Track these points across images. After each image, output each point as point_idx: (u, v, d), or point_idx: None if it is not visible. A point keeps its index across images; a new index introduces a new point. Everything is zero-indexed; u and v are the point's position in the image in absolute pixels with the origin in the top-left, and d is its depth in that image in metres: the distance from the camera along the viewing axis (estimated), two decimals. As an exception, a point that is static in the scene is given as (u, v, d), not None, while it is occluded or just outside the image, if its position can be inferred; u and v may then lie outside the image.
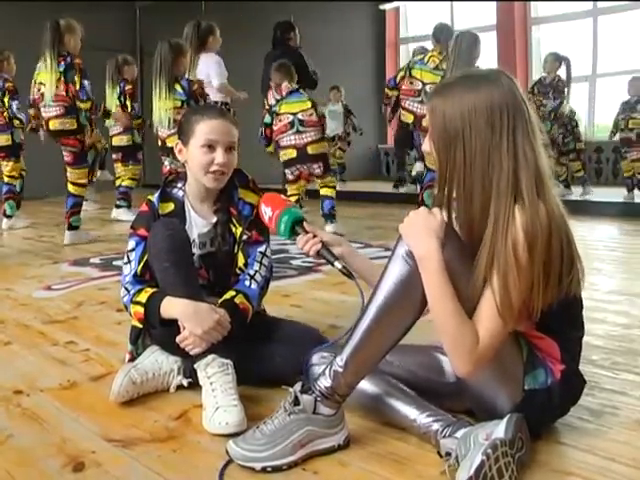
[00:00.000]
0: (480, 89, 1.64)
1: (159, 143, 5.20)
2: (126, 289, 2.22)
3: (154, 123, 5.09)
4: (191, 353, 2.06)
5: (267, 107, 6.34)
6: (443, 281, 1.62)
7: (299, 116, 5.75)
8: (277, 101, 5.99)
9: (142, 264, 2.23)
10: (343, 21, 12.56)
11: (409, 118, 6.42)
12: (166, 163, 5.27)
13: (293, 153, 5.80)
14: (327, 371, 1.75)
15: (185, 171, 2.39)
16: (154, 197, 2.34)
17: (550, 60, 8.21)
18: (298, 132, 5.75)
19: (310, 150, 5.76)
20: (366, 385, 1.85)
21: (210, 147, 2.25)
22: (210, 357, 2.03)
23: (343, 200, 8.71)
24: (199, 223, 2.35)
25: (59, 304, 3.55)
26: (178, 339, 2.06)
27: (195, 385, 2.14)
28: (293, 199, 5.74)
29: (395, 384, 1.89)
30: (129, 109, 7.18)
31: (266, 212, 2.01)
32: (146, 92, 10.19)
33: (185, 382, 2.20)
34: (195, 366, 2.07)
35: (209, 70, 5.78)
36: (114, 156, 7.47)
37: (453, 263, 1.63)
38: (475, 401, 1.82)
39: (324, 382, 1.75)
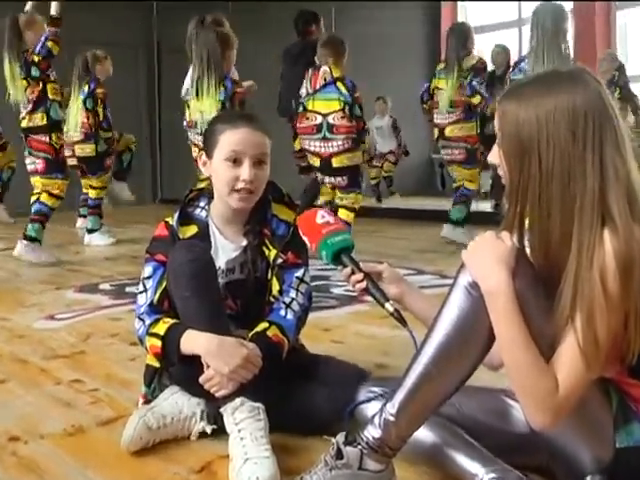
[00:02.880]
0: (560, 90, 1.61)
1: (194, 152, 5.17)
2: (141, 320, 2.23)
3: (191, 128, 5.05)
4: (216, 395, 2.06)
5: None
6: (514, 318, 1.59)
7: (329, 119, 5.48)
8: (307, 94, 5.68)
9: (160, 292, 2.24)
10: (390, 18, 12.61)
11: (434, 133, 6.68)
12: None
13: (316, 162, 5.62)
14: (376, 419, 1.74)
15: (208, 187, 2.41)
16: (173, 219, 2.36)
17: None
18: (325, 139, 5.51)
19: (335, 162, 5.52)
20: (421, 432, 1.82)
21: (236, 161, 2.26)
22: (238, 400, 2.03)
23: (389, 218, 8.70)
24: (227, 247, 2.36)
25: (63, 336, 3.59)
26: (201, 379, 2.06)
27: (221, 432, 2.13)
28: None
29: (455, 431, 1.86)
30: (100, 117, 7.07)
31: (305, 240, 2.01)
32: (164, 91, 10.41)
33: (209, 429, 2.20)
34: (221, 410, 2.06)
35: None
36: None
37: (525, 296, 1.61)
38: (552, 458, 1.78)
39: (372, 432, 1.73)
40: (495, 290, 1.61)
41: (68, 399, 2.66)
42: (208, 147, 2.34)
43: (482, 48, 8.84)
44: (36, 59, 5.84)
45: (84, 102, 7.03)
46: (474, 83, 6.31)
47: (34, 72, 5.83)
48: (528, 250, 1.71)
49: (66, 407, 2.58)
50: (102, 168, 7.20)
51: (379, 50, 11.74)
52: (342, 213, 5.62)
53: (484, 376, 1.88)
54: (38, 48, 5.83)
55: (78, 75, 7.11)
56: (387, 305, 1.86)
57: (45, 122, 5.88)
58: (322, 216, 1.97)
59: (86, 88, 7.04)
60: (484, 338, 1.67)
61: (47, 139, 5.91)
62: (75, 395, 2.70)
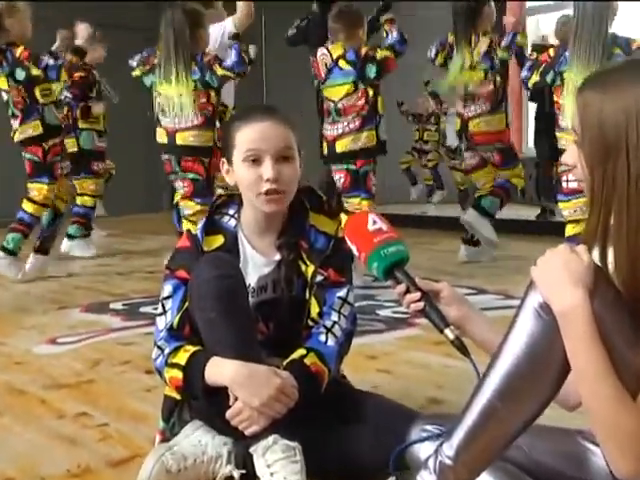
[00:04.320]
0: None
1: (163, 140, 5.26)
2: (159, 348, 2.24)
3: (165, 115, 5.16)
4: (246, 433, 2.06)
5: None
6: (593, 344, 1.58)
7: (339, 104, 5.42)
8: (319, 84, 5.65)
9: (181, 315, 2.25)
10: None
11: (456, 126, 6.53)
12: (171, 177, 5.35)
13: (325, 149, 5.56)
14: (431, 463, 1.73)
15: (235, 192, 2.41)
16: (197, 228, 2.37)
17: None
18: (333, 122, 5.47)
19: (339, 147, 5.43)
20: (483, 478, 1.80)
21: (255, 161, 2.26)
22: (271, 438, 2.03)
23: (444, 229, 8.64)
24: (258, 262, 2.36)
25: (68, 363, 3.62)
26: (228, 414, 2.07)
27: (250, 476, 2.13)
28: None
29: (523, 479, 1.85)
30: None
31: (352, 249, 1.98)
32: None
33: (236, 473, 2.19)
34: (251, 450, 2.07)
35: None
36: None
37: (605, 320, 1.59)
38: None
39: (427, 478, 1.73)
40: (570, 312, 1.59)
41: (73, 435, 2.67)
42: (226, 150, 2.36)
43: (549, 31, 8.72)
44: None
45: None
46: (492, 68, 6.17)
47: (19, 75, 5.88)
48: (611, 267, 1.69)
49: (70, 445, 2.60)
50: (88, 169, 7.40)
51: (432, 28, 11.71)
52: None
53: (556, 415, 1.87)
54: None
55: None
56: (447, 331, 1.84)
57: (40, 130, 5.97)
58: (374, 222, 1.95)
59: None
60: (557, 368, 1.65)
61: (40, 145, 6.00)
62: (81, 431, 2.72)
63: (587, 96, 1.65)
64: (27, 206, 5.98)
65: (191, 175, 5.16)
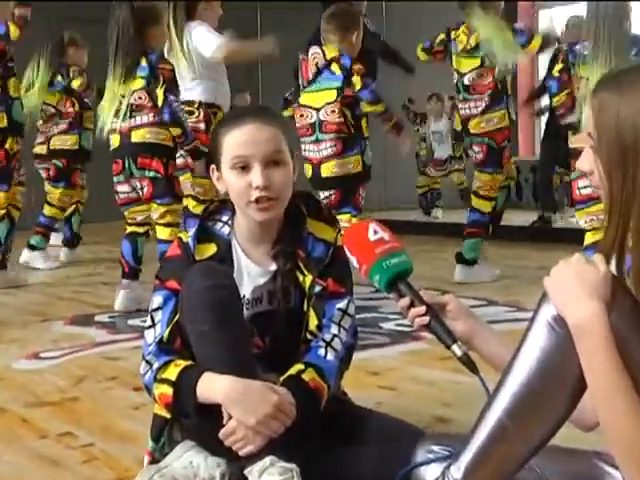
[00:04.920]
0: None
1: (115, 144, 5.25)
2: (148, 363, 2.22)
3: (104, 120, 5.18)
4: (240, 453, 2.05)
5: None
6: (610, 358, 1.57)
7: (322, 114, 5.16)
8: (303, 87, 5.39)
9: (171, 328, 2.24)
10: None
11: (457, 123, 6.38)
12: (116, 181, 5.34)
13: (309, 171, 5.28)
14: (438, 485, 1.73)
15: (227, 198, 2.40)
16: (189, 236, 2.35)
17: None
18: (317, 141, 5.19)
19: (323, 171, 5.18)
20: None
21: (244, 167, 2.25)
22: (267, 460, 2.02)
23: (450, 236, 8.63)
24: (253, 272, 2.36)
25: (50, 379, 3.61)
26: (222, 433, 2.05)
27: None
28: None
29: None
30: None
31: (352, 261, 1.98)
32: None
33: (230, 496, 2.19)
34: (246, 472, 2.05)
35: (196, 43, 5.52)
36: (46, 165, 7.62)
37: (623, 332, 1.58)
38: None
39: (434, 501, 1.73)
40: (585, 324, 1.59)
41: (56, 456, 2.67)
42: (214, 157, 2.35)
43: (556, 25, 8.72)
44: None
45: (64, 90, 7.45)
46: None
47: None
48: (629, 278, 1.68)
49: (53, 466, 2.59)
50: (68, 181, 7.55)
51: (431, 23, 11.75)
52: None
53: (572, 434, 1.87)
54: None
55: (47, 61, 7.34)
56: (454, 347, 1.84)
57: (5, 124, 5.94)
58: (375, 231, 1.94)
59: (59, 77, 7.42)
60: (572, 385, 1.65)
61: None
62: (64, 451, 2.71)
63: (602, 98, 1.64)
64: None
65: (151, 173, 5.09)
